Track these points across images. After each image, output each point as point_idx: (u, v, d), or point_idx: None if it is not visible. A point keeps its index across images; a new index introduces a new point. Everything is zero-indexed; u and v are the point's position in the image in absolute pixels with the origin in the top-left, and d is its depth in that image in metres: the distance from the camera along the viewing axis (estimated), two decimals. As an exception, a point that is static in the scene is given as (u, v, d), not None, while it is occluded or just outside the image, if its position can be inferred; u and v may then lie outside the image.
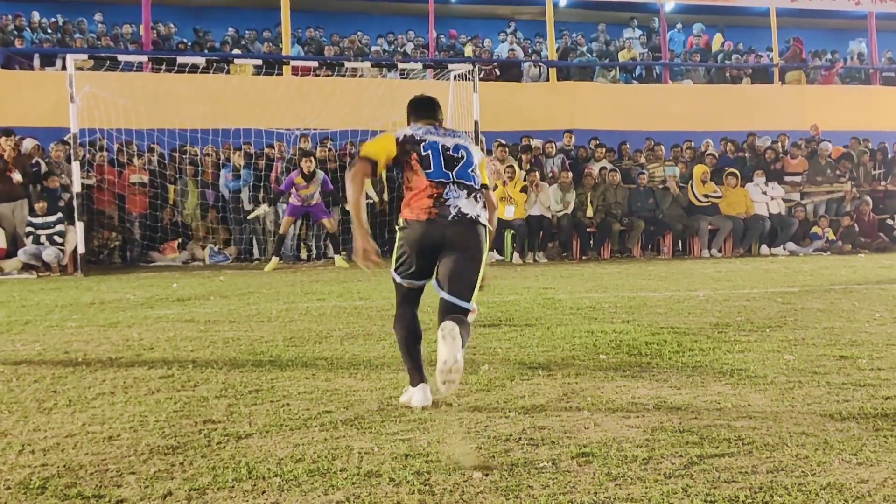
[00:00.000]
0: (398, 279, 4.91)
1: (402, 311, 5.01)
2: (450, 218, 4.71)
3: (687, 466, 3.55)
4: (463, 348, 4.39)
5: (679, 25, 23.52)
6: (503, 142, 16.29)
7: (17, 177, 13.43)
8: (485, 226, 4.84)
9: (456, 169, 4.84)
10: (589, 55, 22.05)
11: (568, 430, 4.12)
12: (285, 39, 18.93)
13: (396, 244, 4.87)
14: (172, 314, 8.46)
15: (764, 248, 16.44)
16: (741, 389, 4.94)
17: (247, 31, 21.16)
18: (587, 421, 4.28)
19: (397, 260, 4.87)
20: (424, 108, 5.25)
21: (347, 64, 16.74)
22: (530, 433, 4.06)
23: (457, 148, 4.92)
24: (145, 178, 14.88)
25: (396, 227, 4.94)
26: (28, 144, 14.50)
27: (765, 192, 16.72)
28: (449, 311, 4.73)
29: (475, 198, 4.84)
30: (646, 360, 5.80)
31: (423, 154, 4.82)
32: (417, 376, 4.78)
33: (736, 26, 24.31)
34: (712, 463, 3.60)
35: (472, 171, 4.90)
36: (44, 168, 14.36)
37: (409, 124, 5.17)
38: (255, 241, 15.36)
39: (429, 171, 4.79)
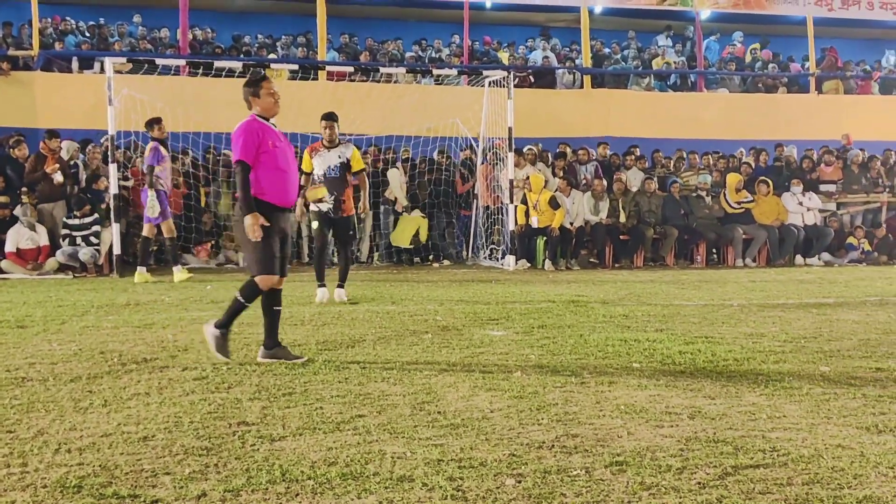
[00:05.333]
0: None
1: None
2: None
3: (722, 477, 3.53)
4: None
5: (716, 35, 23.37)
6: (532, 148, 16.38)
7: (58, 178, 13.57)
8: None
9: None
10: (623, 63, 21.97)
11: (601, 438, 4.11)
12: (321, 45, 19.01)
13: None
14: (206, 316, 8.48)
15: (799, 259, 16.30)
16: (776, 400, 4.90)
17: (283, 36, 21.28)
18: (621, 429, 4.26)
19: None
20: None
21: (382, 69, 16.81)
22: (563, 441, 4.05)
23: None
24: (180, 181, 14.94)
25: None
26: (66, 146, 14.66)
27: (801, 203, 16.58)
28: None
29: None
30: (679, 370, 5.77)
31: None
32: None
33: (771, 35, 24.13)
34: (747, 474, 3.57)
35: None
36: (82, 170, 14.54)
37: None
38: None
39: None
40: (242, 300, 6.17)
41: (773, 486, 3.44)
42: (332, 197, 9.63)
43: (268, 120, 6.26)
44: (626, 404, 4.77)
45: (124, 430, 4.29)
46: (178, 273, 12.26)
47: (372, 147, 16.30)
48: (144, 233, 12.58)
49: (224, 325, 6.13)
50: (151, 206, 12.16)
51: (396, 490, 3.39)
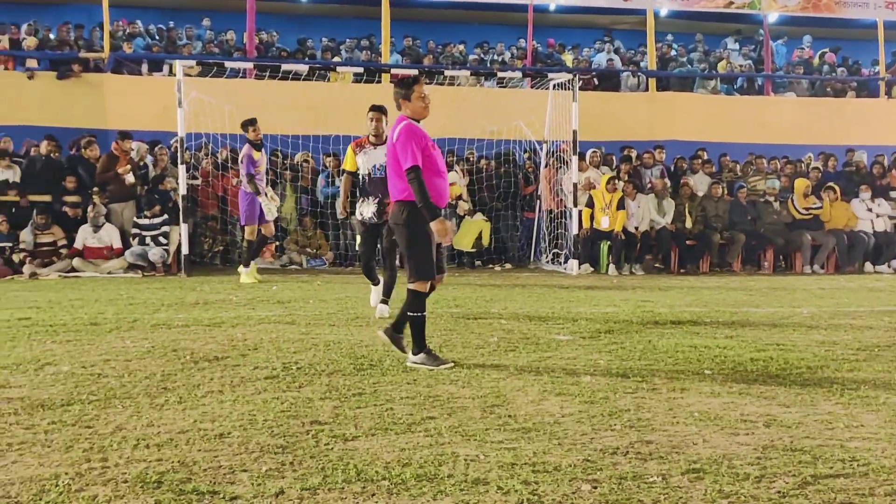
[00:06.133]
0: None
1: None
2: None
3: (801, 486, 3.47)
4: None
5: (784, 38, 23.02)
6: (596, 151, 16.27)
7: (130, 178, 13.86)
8: None
9: None
10: (689, 66, 21.74)
11: (676, 444, 4.06)
12: (384, 48, 19.09)
13: None
14: (274, 316, 8.61)
15: (868, 266, 15.98)
16: (853, 409, 4.81)
17: (347, 40, 21.43)
18: (696, 436, 4.21)
19: None
20: None
21: (446, 72, 16.83)
22: (638, 447, 4.01)
23: None
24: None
25: None
26: (136, 147, 14.93)
27: (870, 209, 16.27)
28: None
29: None
30: (752, 377, 5.69)
31: None
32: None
33: (841, 39, 23.72)
34: (827, 483, 3.51)
35: None
36: (151, 170, 14.81)
37: None
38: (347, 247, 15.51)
39: None
40: (415, 314, 6.16)
41: (854, 496, 3.37)
42: (376, 201, 8.60)
43: (418, 122, 6.30)
44: (700, 411, 4.71)
45: (200, 426, 4.34)
46: (246, 275, 12.35)
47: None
48: (264, 232, 12.67)
49: (420, 347, 6.15)
50: (268, 209, 12.28)
51: (472, 493, 3.39)
